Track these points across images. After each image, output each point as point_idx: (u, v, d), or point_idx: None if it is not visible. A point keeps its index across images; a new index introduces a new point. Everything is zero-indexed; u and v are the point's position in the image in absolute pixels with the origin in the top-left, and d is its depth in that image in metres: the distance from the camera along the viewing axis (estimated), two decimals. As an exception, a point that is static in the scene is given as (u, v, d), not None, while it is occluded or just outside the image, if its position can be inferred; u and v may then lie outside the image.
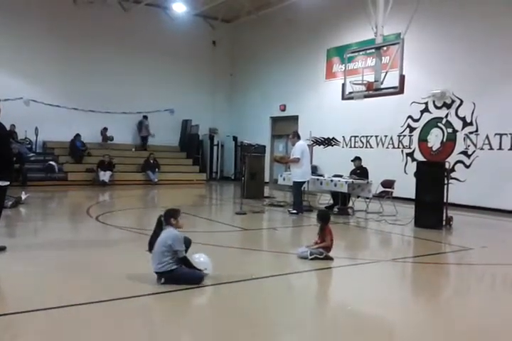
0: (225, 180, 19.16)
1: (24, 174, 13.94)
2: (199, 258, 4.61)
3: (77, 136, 16.03)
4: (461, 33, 11.60)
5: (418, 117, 12.70)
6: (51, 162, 15.18)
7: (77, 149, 15.96)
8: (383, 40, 10.07)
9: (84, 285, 4.37)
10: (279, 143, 17.81)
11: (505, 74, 10.81)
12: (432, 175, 8.28)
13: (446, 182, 8.26)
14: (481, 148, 11.23)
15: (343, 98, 10.18)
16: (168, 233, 4.39)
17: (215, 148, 19.34)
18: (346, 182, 9.61)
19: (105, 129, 17.15)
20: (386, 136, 13.49)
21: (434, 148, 12.31)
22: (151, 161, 16.48)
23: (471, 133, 11.47)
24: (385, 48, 10.49)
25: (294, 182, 9.72)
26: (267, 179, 15.79)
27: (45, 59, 16.06)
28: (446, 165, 8.68)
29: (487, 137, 11.10)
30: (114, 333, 3.36)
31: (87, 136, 16.37)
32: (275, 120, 18.03)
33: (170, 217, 4.46)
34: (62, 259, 5.47)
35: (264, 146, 13.66)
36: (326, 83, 15.43)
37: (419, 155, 12.58)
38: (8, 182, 5.55)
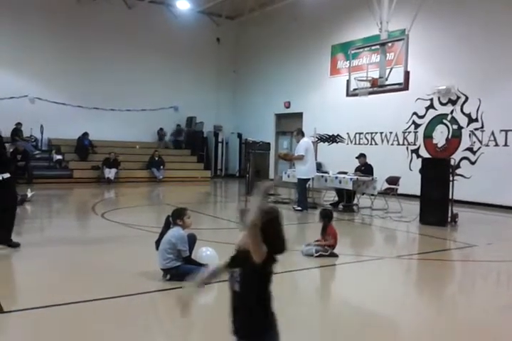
0: (230, 177, 19.17)
1: (30, 172, 14.01)
2: (206, 252, 4.64)
3: (85, 134, 16.08)
4: (466, 29, 11.53)
5: (423, 114, 12.65)
6: (58, 156, 15.32)
7: (84, 147, 16.03)
8: (388, 36, 10.02)
9: (90, 282, 4.40)
10: (284, 140, 17.80)
11: (510, 70, 10.74)
12: (437, 171, 8.26)
13: (451, 178, 8.24)
14: (487, 145, 11.17)
15: (348, 94, 10.15)
16: (173, 232, 4.43)
17: (220, 145, 19.34)
18: (351, 179, 9.60)
19: (161, 129, 18.25)
20: (391, 133, 13.45)
21: (439, 145, 12.27)
22: (156, 158, 16.51)
23: (476, 129, 11.42)
24: (389, 44, 10.44)
25: (299, 179, 9.71)
26: (271, 176, 15.79)
27: (49, 57, 16.09)
28: (452, 162, 8.65)
29: (492, 133, 11.05)
30: (120, 329, 3.38)
31: (92, 134, 16.37)
32: (279, 117, 18.01)
33: (176, 218, 4.50)
34: (68, 256, 5.50)
35: (269, 143, 13.67)
36: (331, 80, 15.39)
37: (424, 152, 12.53)
38: (7, 175, 5.54)
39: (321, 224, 5.82)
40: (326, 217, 5.78)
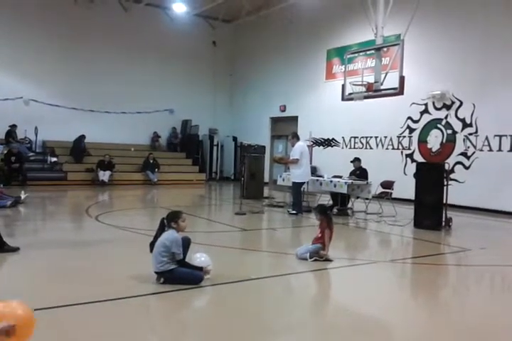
0: (225, 180, 19.16)
1: (24, 174, 13.94)
2: (200, 258, 4.62)
3: (82, 137, 16.02)
4: (461, 34, 11.62)
5: (418, 118, 12.70)
6: (54, 159, 15.26)
7: (80, 150, 15.97)
8: (383, 41, 10.06)
9: (83, 285, 4.37)
10: (279, 143, 17.81)
11: (505, 76, 10.81)
12: (432, 176, 8.29)
13: (445, 183, 8.27)
14: (481, 150, 11.23)
15: (343, 99, 10.17)
16: (167, 235, 4.42)
17: (215, 148, 19.33)
18: (346, 182, 9.62)
19: (154, 133, 18.42)
20: (386, 137, 13.50)
21: (433, 149, 12.32)
22: (151, 161, 16.48)
23: (470, 134, 11.48)
24: (385, 49, 10.48)
25: (294, 183, 9.72)
26: (266, 179, 15.79)
27: (45, 59, 16.05)
28: (446, 167, 8.68)
29: (486, 138, 11.11)
30: (114, 333, 3.36)
31: (87, 136, 16.28)
32: (275, 120, 18.04)
33: (170, 220, 4.49)
34: (61, 259, 5.46)
35: (264, 147, 13.66)
36: (326, 84, 15.43)
37: (418, 156, 12.58)
38: None
39: (317, 223, 5.79)
40: (322, 211, 5.77)
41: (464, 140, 11.60)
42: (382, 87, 9.37)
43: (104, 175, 15.16)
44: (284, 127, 16.95)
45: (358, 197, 10.39)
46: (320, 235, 5.64)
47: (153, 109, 18.14)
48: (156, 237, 4.52)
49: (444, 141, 12.06)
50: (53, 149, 15.88)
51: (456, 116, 11.80)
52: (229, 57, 20.03)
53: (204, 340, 3.34)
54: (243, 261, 5.78)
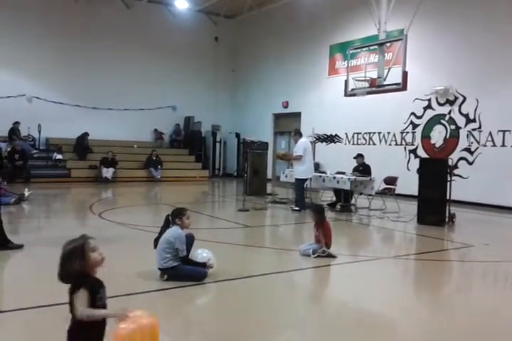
0: (228, 176, 19.17)
1: (27, 171, 13.98)
2: (202, 254, 4.63)
3: (86, 134, 16.06)
4: (464, 29, 11.55)
5: (421, 114, 12.66)
6: (59, 156, 15.30)
7: (84, 147, 16.00)
8: (386, 36, 10.04)
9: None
10: (282, 139, 17.80)
11: (508, 71, 10.75)
12: (435, 171, 8.26)
13: (449, 179, 8.25)
14: (484, 145, 11.19)
15: (346, 94, 10.15)
16: (171, 232, 4.43)
17: (218, 144, 19.34)
18: (349, 179, 9.61)
19: (155, 130, 18.35)
20: (389, 133, 13.46)
21: (437, 145, 12.28)
22: (154, 158, 16.50)
23: (474, 129, 11.43)
24: (388, 44, 10.46)
25: (297, 179, 9.71)
26: (269, 176, 15.79)
27: (47, 56, 16.06)
28: (449, 162, 8.66)
29: (490, 134, 11.07)
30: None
31: (90, 133, 16.31)
32: (278, 117, 18.01)
33: (175, 217, 4.50)
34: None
35: (267, 143, 13.64)
36: (329, 79, 15.38)
37: (422, 152, 12.54)
38: None
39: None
40: (323, 212, 5.80)
41: (467, 135, 11.56)
42: (385, 83, 9.36)
43: (107, 172, 15.18)
44: (287, 123, 16.92)
45: (361, 194, 10.38)
46: (317, 234, 5.67)
47: (156, 105, 18.14)
48: (160, 234, 4.54)
49: (448, 136, 12.02)
50: (60, 146, 15.86)
51: (460, 111, 11.75)
52: (231, 53, 19.99)
53: (207, 337, 3.35)
54: (246, 257, 5.78)
